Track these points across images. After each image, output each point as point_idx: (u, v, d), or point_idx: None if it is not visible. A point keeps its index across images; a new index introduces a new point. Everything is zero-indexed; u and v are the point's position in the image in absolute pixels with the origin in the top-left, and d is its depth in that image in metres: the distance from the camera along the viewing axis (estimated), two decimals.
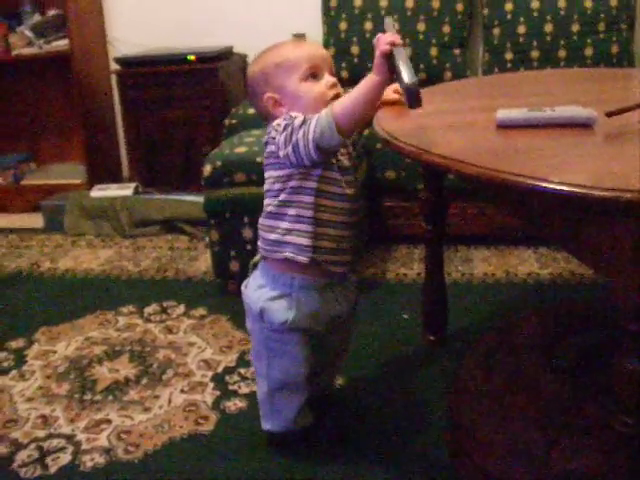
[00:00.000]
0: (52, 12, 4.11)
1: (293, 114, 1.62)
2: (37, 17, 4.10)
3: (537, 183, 1.23)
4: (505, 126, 1.61)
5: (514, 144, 1.52)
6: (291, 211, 1.66)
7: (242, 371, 2.23)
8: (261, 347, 1.77)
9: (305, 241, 1.65)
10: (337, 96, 1.66)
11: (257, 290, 1.74)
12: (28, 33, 4.03)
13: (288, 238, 1.67)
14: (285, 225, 1.67)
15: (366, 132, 2.13)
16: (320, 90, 1.68)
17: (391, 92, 1.86)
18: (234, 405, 2.07)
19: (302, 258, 1.66)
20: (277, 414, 1.82)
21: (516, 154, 1.43)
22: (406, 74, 1.49)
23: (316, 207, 1.65)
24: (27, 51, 4.05)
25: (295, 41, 1.74)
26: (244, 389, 2.13)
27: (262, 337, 1.75)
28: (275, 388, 1.79)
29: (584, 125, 1.58)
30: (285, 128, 1.59)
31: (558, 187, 1.21)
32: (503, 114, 1.62)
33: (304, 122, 1.57)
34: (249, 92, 1.79)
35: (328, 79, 1.70)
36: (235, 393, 2.13)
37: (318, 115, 1.56)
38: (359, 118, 1.58)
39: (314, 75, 1.69)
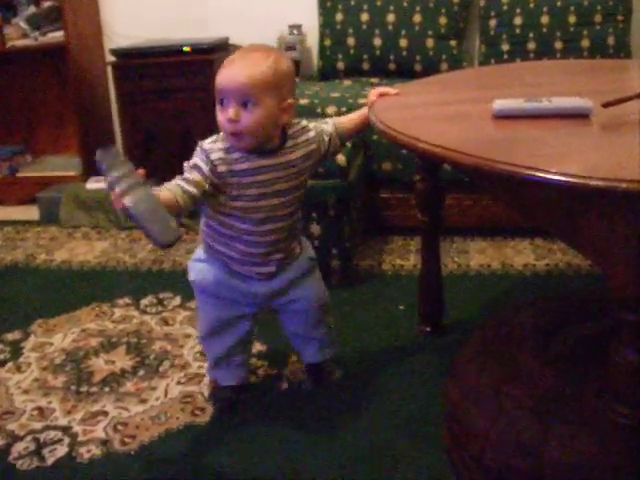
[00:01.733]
0: (47, 4, 4.10)
1: (190, 161, 1.76)
2: (32, 9, 4.08)
3: (534, 173, 1.24)
4: (502, 116, 1.61)
5: (511, 134, 1.52)
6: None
7: None
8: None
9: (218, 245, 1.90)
10: (232, 133, 1.71)
11: (195, 254, 2.01)
12: (23, 25, 4.01)
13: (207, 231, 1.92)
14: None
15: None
16: (220, 119, 1.73)
17: (374, 95, 1.99)
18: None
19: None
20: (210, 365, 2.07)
21: (513, 144, 1.44)
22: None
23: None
24: (22, 43, 4.03)
25: (234, 60, 1.72)
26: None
27: None
28: (200, 337, 2.06)
29: (581, 115, 1.59)
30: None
31: (555, 177, 1.22)
32: (500, 104, 1.62)
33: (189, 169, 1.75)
34: None
35: (228, 112, 1.70)
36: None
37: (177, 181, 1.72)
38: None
39: (220, 102, 1.72)
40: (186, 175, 1.72)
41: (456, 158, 1.35)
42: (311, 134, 1.88)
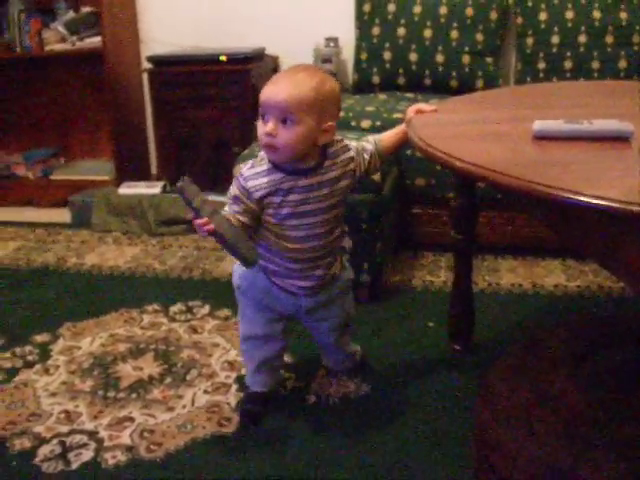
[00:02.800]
0: (86, 9, 4.15)
1: (230, 192, 1.84)
2: (71, 14, 4.13)
3: (573, 197, 1.23)
4: (541, 137, 1.60)
5: (550, 156, 1.51)
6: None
7: None
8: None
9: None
10: (267, 146, 1.75)
11: None
12: (62, 29, 4.06)
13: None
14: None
15: None
16: (259, 131, 1.77)
17: (411, 111, 1.99)
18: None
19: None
20: (246, 367, 2.10)
21: (552, 166, 1.42)
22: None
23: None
24: (60, 47, 4.07)
25: (280, 78, 1.77)
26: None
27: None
28: (241, 339, 2.06)
29: (621, 139, 1.57)
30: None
31: (594, 201, 1.20)
32: (540, 125, 1.61)
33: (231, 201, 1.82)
34: None
35: (267, 126, 1.74)
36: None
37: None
38: None
39: (262, 116, 1.76)
40: (233, 207, 1.80)
41: (496, 178, 1.34)
42: (351, 153, 1.89)
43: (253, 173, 1.80)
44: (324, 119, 1.76)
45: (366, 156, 1.94)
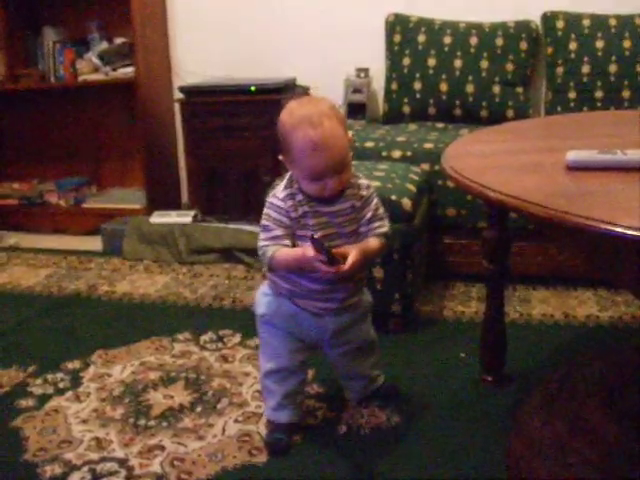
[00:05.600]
0: (119, 40, 4.21)
1: (264, 219, 1.89)
2: (104, 44, 4.19)
3: (610, 228, 1.22)
4: (575, 168, 1.59)
5: (585, 186, 1.50)
6: None
7: None
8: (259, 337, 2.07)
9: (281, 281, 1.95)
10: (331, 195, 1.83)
11: (260, 289, 2.06)
12: (95, 60, 4.12)
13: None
14: None
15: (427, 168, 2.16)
16: (312, 189, 1.83)
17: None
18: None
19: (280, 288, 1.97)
20: (266, 402, 2.08)
21: (587, 197, 1.42)
22: None
23: None
24: (93, 77, 4.13)
25: (317, 142, 1.75)
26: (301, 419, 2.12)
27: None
28: (263, 375, 2.04)
29: None
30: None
31: (628, 232, 1.20)
32: (573, 155, 1.60)
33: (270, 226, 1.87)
34: None
35: (328, 184, 1.81)
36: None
37: (265, 250, 1.86)
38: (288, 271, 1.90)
39: (315, 179, 1.81)
40: (274, 233, 1.85)
41: (530, 209, 1.34)
42: (363, 192, 1.92)
43: (287, 194, 1.85)
44: (349, 139, 1.84)
45: (368, 217, 1.92)
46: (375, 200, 1.93)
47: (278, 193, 1.87)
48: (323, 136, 1.74)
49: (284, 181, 1.89)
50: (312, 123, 1.75)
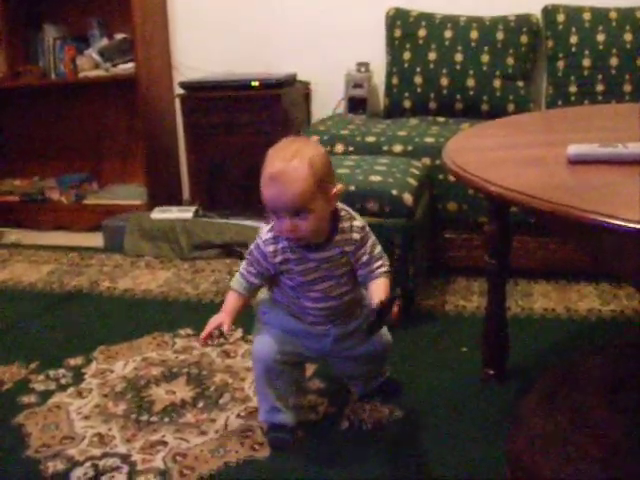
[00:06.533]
0: (119, 36, 4.21)
1: (249, 253, 1.95)
2: (104, 41, 4.19)
3: (612, 221, 1.22)
4: (576, 161, 1.59)
5: (586, 180, 1.50)
6: None
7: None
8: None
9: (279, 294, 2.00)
10: (291, 238, 1.82)
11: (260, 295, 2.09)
12: (95, 56, 4.11)
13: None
14: None
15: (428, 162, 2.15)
16: (277, 227, 1.82)
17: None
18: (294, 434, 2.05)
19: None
20: (259, 403, 2.04)
21: (589, 190, 1.42)
22: None
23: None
24: (93, 73, 4.13)
25: (275, 177, 1.73)
26: (300, 417, 2.12)
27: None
28: (256, 374, 2.00)
29: None
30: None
31: (630, 225, 1.20)
32: (574, 149, 1.60)
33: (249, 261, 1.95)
34: None
35: (284, 224, 1.78)
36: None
37: (236, 275, 1.97)
38: None
39: (273, 212, 1.79)
40: (248, 268, 1.94)
41: (532, 203, 1.34)
42: (355, 236, 1.89)
43: (271, 237, 1.87)
44: (328, 190, 1.79)
45: (364, 257, 1.90)
46: (370, 241, 1.90)
47: (263, 234, 1.89)
48: (283, 171, 1.72)
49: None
50: (283, 158, 1.74)
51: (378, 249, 1.92)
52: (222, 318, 1.91)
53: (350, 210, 1.92)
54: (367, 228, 1.91)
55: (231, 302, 1.95)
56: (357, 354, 2.05)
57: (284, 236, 1.82)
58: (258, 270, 1.92)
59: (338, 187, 1.81)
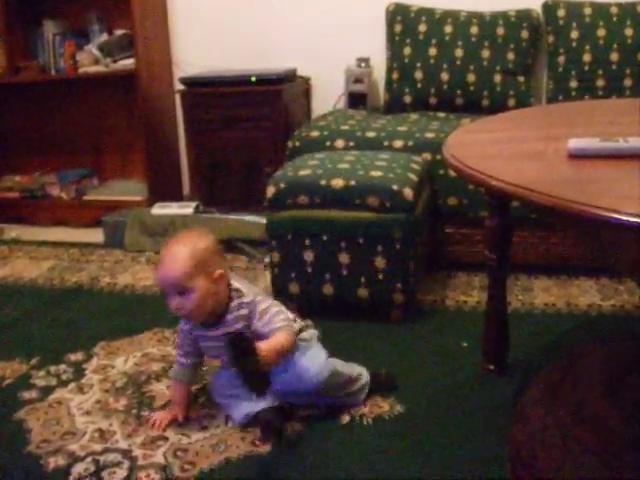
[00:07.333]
0: (119, 32, 4.20)
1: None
2: (104, 36, 4.18)
3: (612, 215, 1.22)
4: (577, 156, 1.59)
5: (586, 174, 1.50)
6: None
7: None
8: None
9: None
10: (181, 315, 2.04)
11: None
12: (95, 51, 4.11)
13: None
14: None
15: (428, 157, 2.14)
16: (169, 306, 2.02)
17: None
18: (291, 427, 2.05)
19: None
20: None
21: (589, 185, 1.42)
22: None
23: None
24: (93, 69, 4.12)
25: (163, 258, 1.98)
26: (302, 412, 2.12)
27: None
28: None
29: None
30: None
31: (631, 219, 1.19)
32: (575, 144, 1.60)
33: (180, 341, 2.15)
34: None
35: (172, 303, 1.99)
36: (292, 416, 2.11)
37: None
38: None
39: (166, 293, 2.01)
40: (178, 351, 2.14)
41: (533, 197, 1.34)
42: (244, 312, 2.01)
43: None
44: (211, 272, 1.96)
45: (265, 331, 1.98)
46: (260, 307, 2.01)
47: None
48: (166, 253, 1.96)
49: None
50: (171, 245, 1.98)
51: (272, 311, 2.01)
52: (174, 411, 2.10)
53: (242, 287, 2.04)
54: (258, 298, 2.04)
55: (176, 392, 2.14)
56: (300, 394, 2.07)
57: (174, 314, 2.01)
58: (186, 350, 2.11)
59: (219, 272, 1.97)
